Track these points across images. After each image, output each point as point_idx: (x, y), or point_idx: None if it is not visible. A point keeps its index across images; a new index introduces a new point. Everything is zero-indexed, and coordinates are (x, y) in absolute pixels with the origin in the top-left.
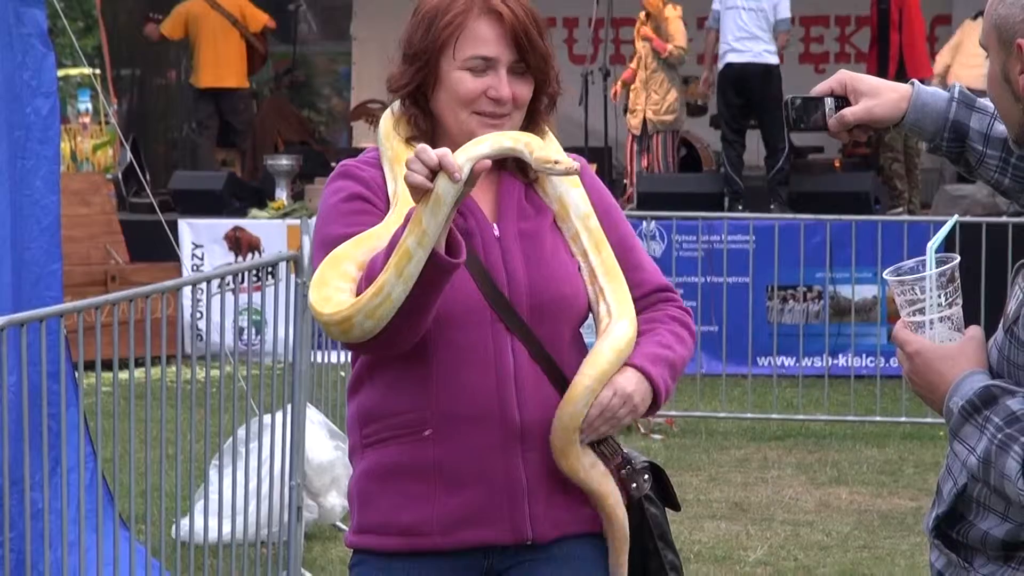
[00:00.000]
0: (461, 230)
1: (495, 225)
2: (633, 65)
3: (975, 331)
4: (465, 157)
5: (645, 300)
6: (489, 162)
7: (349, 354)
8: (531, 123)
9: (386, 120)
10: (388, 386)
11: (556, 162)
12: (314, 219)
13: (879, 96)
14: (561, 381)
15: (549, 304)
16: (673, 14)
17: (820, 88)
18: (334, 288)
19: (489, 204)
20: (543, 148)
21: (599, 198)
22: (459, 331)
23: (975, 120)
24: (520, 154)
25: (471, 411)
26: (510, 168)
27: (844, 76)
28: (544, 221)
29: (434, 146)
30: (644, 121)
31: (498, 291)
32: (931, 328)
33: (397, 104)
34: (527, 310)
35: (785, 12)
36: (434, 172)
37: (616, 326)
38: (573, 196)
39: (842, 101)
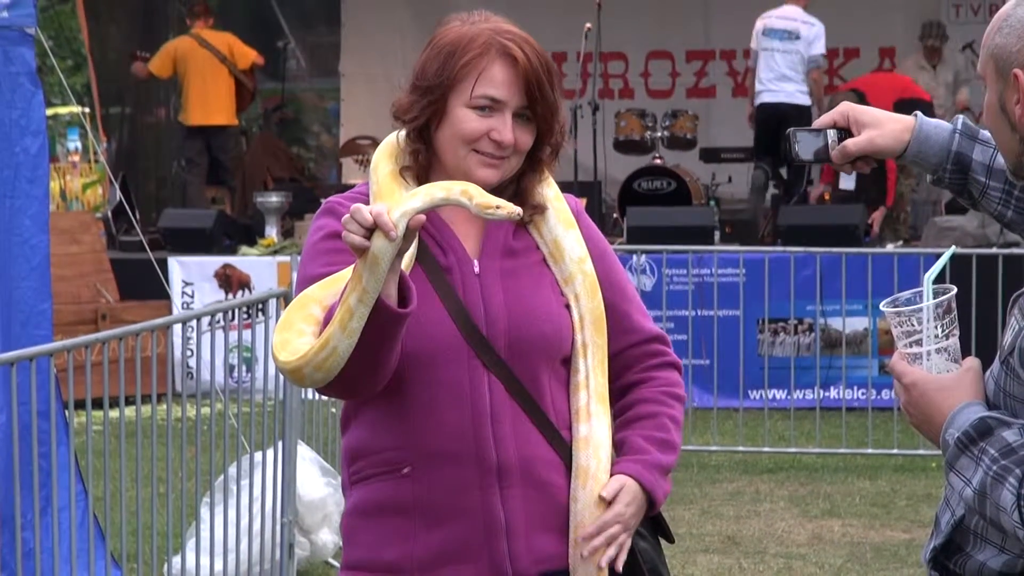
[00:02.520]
0: (441, 266)
1: (476, 261)
2: None
3: (972, 362)
4: (399, 213)
5: (638, 349)
6: (423, 217)
7: None
8: (532, 170)
9: (380, 151)
10: (372, 424)
11: (498, 207)
12: None
13: (882, 127)
14: (540, 417)
15: (528, 341)
16: None
17: (823, 120)
18: (296, 332)
19: (473, 240)
20: (482, 195)
21: (594, 243)
22: (436, 368)
23: (978, 152)
24: (457, 202)
25: (448, 448)
26: None
27: (846, 108)
28: (530, 259)
29: (426, 181)
30: None
31: (475, 327)
32: (928, 359)
33: (401, 134)
34: (505, 347)
35: (818, 49)
36: (371, 231)
37: (596, 433)
38: (569, 239)
39: (844, 133)
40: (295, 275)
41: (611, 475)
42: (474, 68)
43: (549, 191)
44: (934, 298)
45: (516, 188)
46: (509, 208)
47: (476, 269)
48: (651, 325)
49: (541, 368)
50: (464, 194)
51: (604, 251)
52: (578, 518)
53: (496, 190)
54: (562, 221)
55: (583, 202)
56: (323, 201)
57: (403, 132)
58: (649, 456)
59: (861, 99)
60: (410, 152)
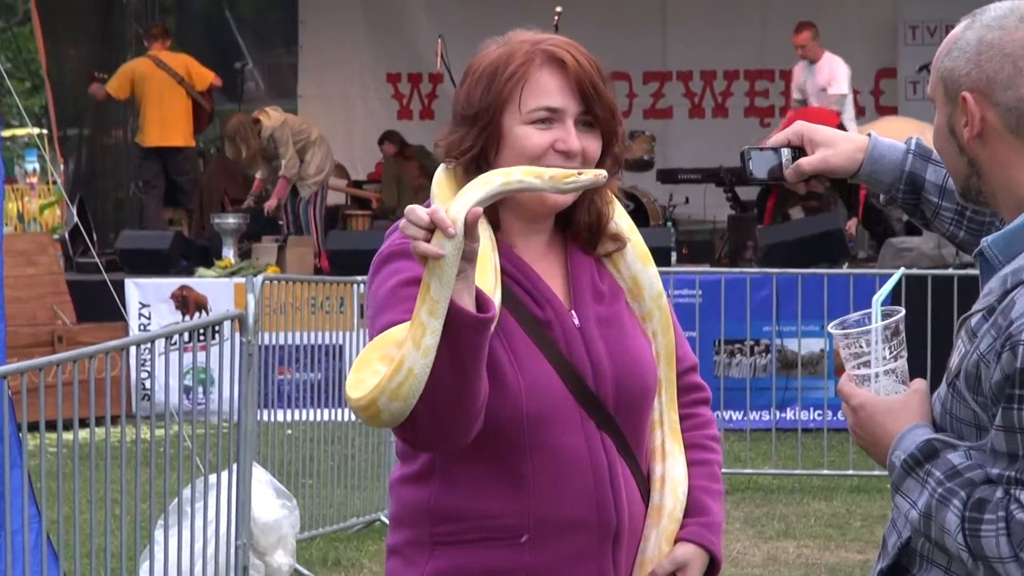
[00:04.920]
0: (540, 320)
1: (573, 312)
2: None
3: (919, 384)
4: (457, 208)
5: (681, 379)
6: (480, 210)
7: (295, 412)
8: (597, 189)
9: (441, 183)
10: (476, 486)
11: (579, 174)
12: (260, 278)
13: (835, 147)
14: (639, 476)
15: (635, 396)
16: None
17: (777, 139)
18: (371, 371)
19: (561, 287)
20: (552, 169)
21: None
22: (551, 431)
23: (931, 172)
24: (526, 187)
25: (570, 516)
26: (579, 244)
27: (801, 127)
28: (620, 303)
29: (495, 216)
30: None
31: (586, 387)
32: (876, 381)
33: (455, 168)
34: (613, 404)
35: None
36: (430, 231)
37: (673, 472)
38: (648, 275)
39: (799, 152)
40: (250, 296)
41: (679, 536)
42: (521, 80)
43: (624, 222)
44: (882, 320)
45: (590, 216)
46: (591, 172)
47: (576, 322)
48: (691, 353)
49: (644, 421)
50: (529, 173)
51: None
52: (647, 554)
53: (571, 220)
54: (640, 256)
55: None
56: (282, 223)
57: (456, 168)
58: (712, 517)
59: None
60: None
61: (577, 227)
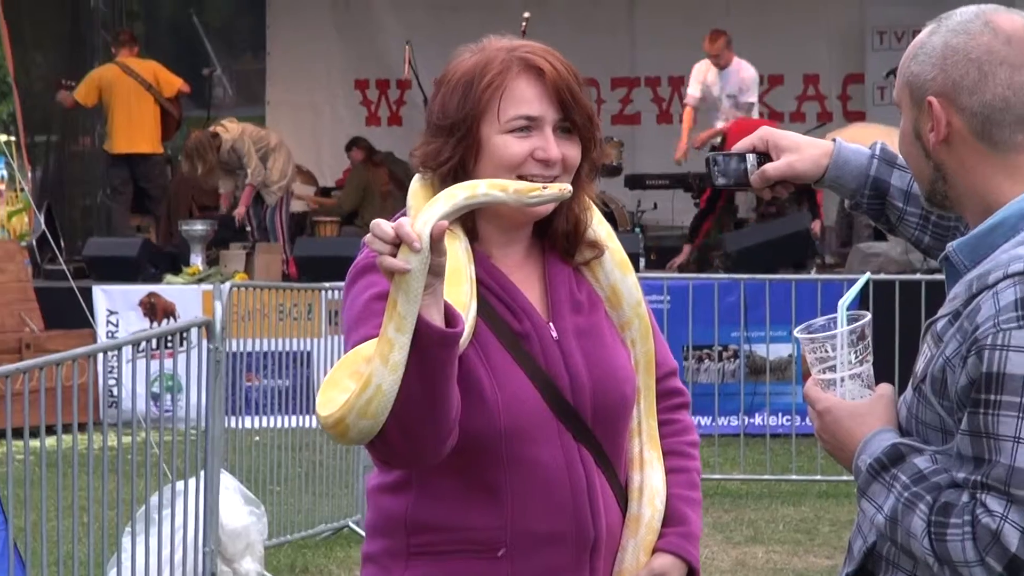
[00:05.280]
0: (517, 333)
1: (551, 324)
2: None
3: (885, 388)
4: (421, 221)
5: (661, 384)
6: (446, 224)
7: (263, 419)
8: (575, 196)
9: (414, 189)
10: (453, 498)
11: (544, 187)
12: (228, 285)
13: (800, 152)
14: (617, 486)
15: (613, 407)
16: None
17: (742, 144)
18: (341, 388)
19: (539, 298)
20: (517, 183)
21: None
22: (528, 445)
23: (896, 178)
24: (489, 200)
25: (548, 530)
26: (557, 252)
27: (766, 132)
28: (598, 313)
29: (474, 228)
30: None
31: (564, 400)
32: (842, 385)
33: (431, 178)
34: (591, 416)
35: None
36: (396, 246)
37: (651, 481)
38: (628, 283)
39: (764, 157)
40: (218, 304)
41: (657, 546)
42: (499, 90)
43: (602, 229)
44: (848, 324)
45: (567, 224)
46: (557, 186)
47: (554, 334)
48: (671, 357)
49: (622, 429)
50: (495, 187)
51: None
52: (624, 564)
53: (543, 229)
54: (619, 264)
55: None
56: (250, 230)
57: (432, 178)
58: (690, 527)
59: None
60: None
61: (555, 235)
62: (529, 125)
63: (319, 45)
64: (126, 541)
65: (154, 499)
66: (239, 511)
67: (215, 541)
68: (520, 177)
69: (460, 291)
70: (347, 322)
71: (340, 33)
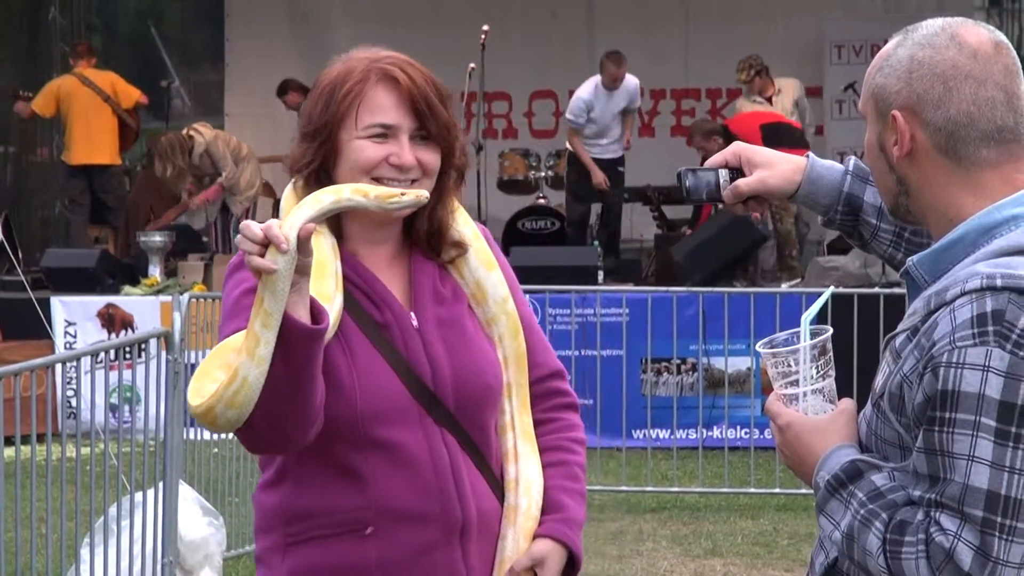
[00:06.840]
0: (378, 323)
1: (412, 314)
2: None
3: (847, 404)
4: (288, 224)
5: (541, 386)
6: (313, 226)
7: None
8: (441, 201)
9: (288, 198)
10: (319, 484)
11: (402, 194)
12: (186, 296)
13: (773, 168)
14: (487, 469)
15: (475, 395)
16: None
17: (715, 160)
18: (211, 379)
19: (402, 290)
20: (379, 188)
21: (507, 276)
22: (390, 428)
23: (869, 194)
24: (352, 205)
25: (412, 508)
26: (421, 249)
27: (738, 148)
28: (460, 305)
29: (337, 228)
30: None
31: (424, 385)
32: (804, 400)
33: (299, 183)
34: (453, 402)
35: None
36: (264, 246)
37: (526, 472)
38: (492, 280)
39: (736, 173)
40: (176, 315)
41: (536, 532)
42: (357, 98)
43: (467, 229)
44: (811, 339)
45: (430, 225)
46: (415, 192)
47: (415, 323)
48: (553, 360)
49: (487, 419)
50: (358, 192)
51: (514, 285)
52: (506, 553)
53: (411, 229)
54: (483, 262)
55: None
56: (236, 254)
57: (300, 183)
58: (568, 513)
59: (725, 132)
60: None
61: (418, 234)
62: (385, 132)
63: (277, 56)
64: (84, 552)
65: (112, 510)
66: (198, 522)
67: (174, 552)
68: (375, 180)
69: (325, 284)
70: (222, 315)
71: (298, 45)
